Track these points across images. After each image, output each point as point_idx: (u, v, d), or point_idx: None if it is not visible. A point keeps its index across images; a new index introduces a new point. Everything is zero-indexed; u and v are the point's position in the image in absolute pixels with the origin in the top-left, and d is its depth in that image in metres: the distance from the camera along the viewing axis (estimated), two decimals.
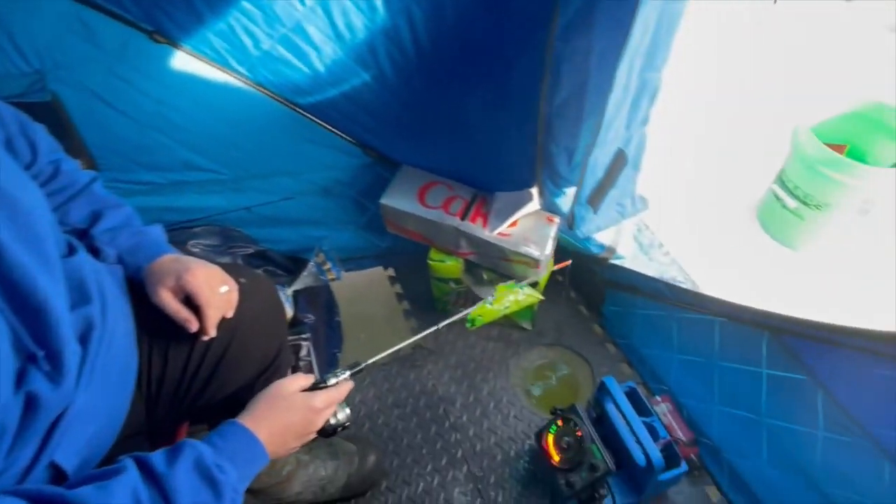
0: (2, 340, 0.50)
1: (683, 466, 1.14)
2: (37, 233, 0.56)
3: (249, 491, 0.72)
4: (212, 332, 0.78)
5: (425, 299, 1.58)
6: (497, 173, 1.28)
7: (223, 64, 1.13)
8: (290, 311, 1.37)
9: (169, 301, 0.77)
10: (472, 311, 1.30)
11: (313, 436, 0.79)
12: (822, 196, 1.66)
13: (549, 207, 1.29)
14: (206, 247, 1.32)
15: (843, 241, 1.80)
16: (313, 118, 1.27)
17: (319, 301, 1.49)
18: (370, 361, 0.85)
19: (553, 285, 1.61)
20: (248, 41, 1.08)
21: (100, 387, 0.63)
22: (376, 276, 1.68)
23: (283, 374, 0.97)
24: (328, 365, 1.41)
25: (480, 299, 1.34)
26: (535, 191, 1.26)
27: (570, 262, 1.16)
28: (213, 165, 1.29)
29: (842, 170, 1.57)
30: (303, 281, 1.42)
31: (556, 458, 1.14)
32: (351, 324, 1.58)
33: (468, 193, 1.34)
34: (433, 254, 1.39)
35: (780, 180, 1.78)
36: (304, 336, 1.32)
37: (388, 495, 1.26)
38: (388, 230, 1.46)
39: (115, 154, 1.21)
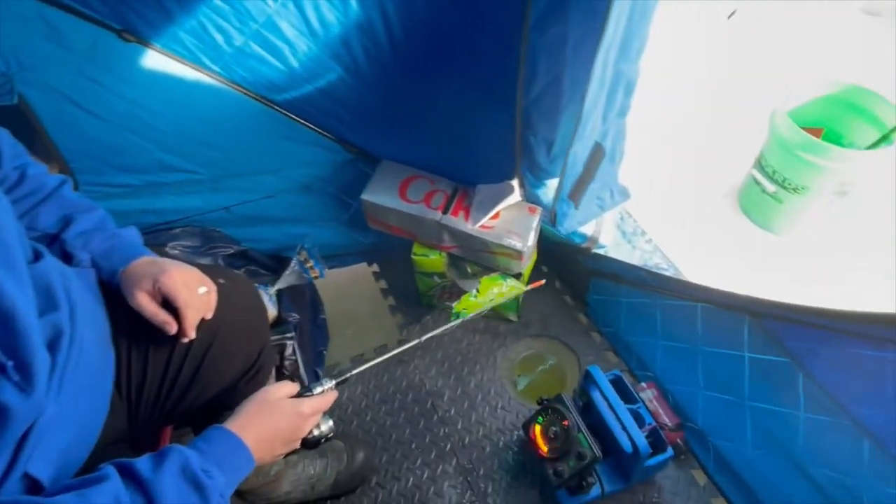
0: None
1: (669, 451, 1.15)
2: (2, 240, 0.54)
3: (238, 493, 0.71)
4: (191, 334, 0.78)
5: (411, 294, 1.57)
6: (477, 166, 1.27)
7: (196, 62, 1.11)
8: (273, 311, 1.36)
9: (146, 304, 0.75)
10: (456, 305, 1.31)
11: (299, 443, 0.79)
12: (801, 179, 1.67)
13: (531, 199, 1.29)
14: (186, 248, 1.30)
15: (823, 223, 1.82)
16: (290, 115, 1.25)
17: (304, 299, 1.48)
18: (355, 371, 0.86)
19: (538, 276, 1.61)
20: (219, 38, 1.06)
21: (72, 394, 0.61)
22: (361, 273, 1.68)
23: (266, 375, 0.96)
24: (315, 363, 1.40)
25: (465, 292, 1.34)
26: (515, 183, 1.26)
27: (543, 281, 1.18)
28: (189, 165, 1.27)
29: (819, 153, 1.58)
30: (286, 280, 1.41)
31: (543, 447, 1.15)
32: (337, 321, 1.57)
33: (449, 187, 1.33)
34: (416, 248, 1.39)
35: (759, 165, 1.79)
36: (288, 335, 1.31)
37: (379, 491, 1.26)
38: (370, 226, 1.45)
39: (88, 157, 1.19)
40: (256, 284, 1.35)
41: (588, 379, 1.20)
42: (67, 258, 0.75)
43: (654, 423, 1.18)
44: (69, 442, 0.63)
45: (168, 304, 0.76)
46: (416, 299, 1.57)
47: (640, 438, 1.10)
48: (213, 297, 0.81)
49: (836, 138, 1.79)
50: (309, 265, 1.43)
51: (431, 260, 1.38)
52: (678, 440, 1.23)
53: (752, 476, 1.14)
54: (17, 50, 1.00)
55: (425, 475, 1.27)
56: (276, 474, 1.10)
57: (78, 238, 0.77)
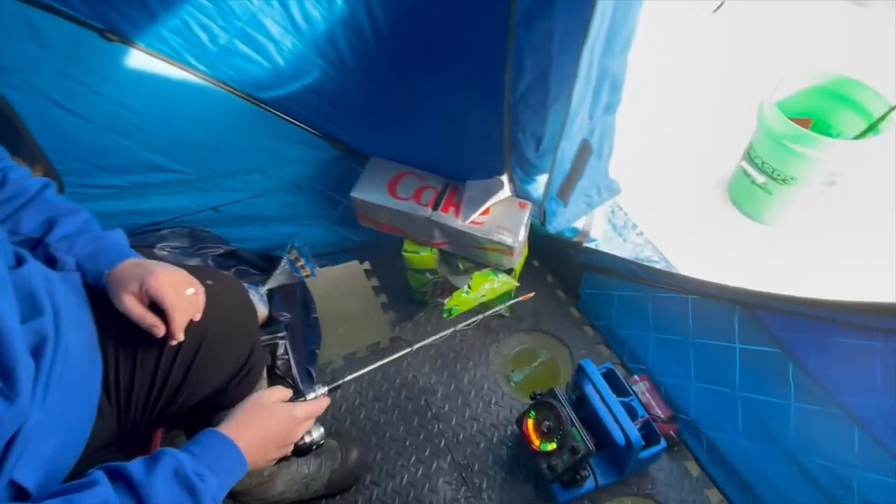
0: None
1: (662, 444, 1.16)
2: None
3: (232, 494, 0.71)
4: (179, 337, 0.77)
5: (403, 291, 1.57)
6: (465, 161, 1.27)
7: (180, 61, 1.10)
8: (264, 311, 1.36)
9: (133, 307, 0.75)
10: (448, 302, 1.31)
11: (291, 447, 0.79)
12: (790, 170, 1.68)
13: (521, 194, 1.29)
14: (175, 249, 1.29)
15: (812, 213, 1.83)
16: (277, 113, 1.24)
17: (295, 299, 1.48)
18: (348, 378, 0.87)
19: (530, 271, 1.61)
20: (203, 36, 1.05)
21: (58, 400, 0.61)
22: (352, 271, 1.67)
23: (257, 376, 0.96)
24: (307, 362, 1.40)
25: (457, 289, 1.34)
26: (505, 178, 1.26)
27: (532, 294, 1.19)
28: (176, 165, 1.26)
29: (807, 144, 1.59)
30: (276, 279, 1.40)
31: (536, 442, 1.15)
32: (329, 319, 1.57)
33: (439, 183, 1.33)
34: (407, 245, 1.38)
35: (748, 156, 1.80)
36: (279, 335, 1.30)
37: (373, 489, 1.26)
38: (360, 223, 1.44)
39: (73, 158, 1.18)
40: (247, 284, 1.35)
41: (580, 373, 1.20)
42: (52, 262, 0.75)
43: (646, 416, 1.18)
44: (56, 448, 0.62)
45: (155, 307, 0.76)
46: (408, 296, 1.57)
47: (633, 431, 1.10)
48: (201, 299, 0.80)
49: (824, 129, 1.80)
50: (299, 264, 1.42)
51: (422, 257, 1.37)
52: (671, 432, 1.24)
53: (745, 466, 1.15)
54: None
55: (420, 472, 1.28)
56: (269, 475, 1.09)
57: (62, 241, 0.76)
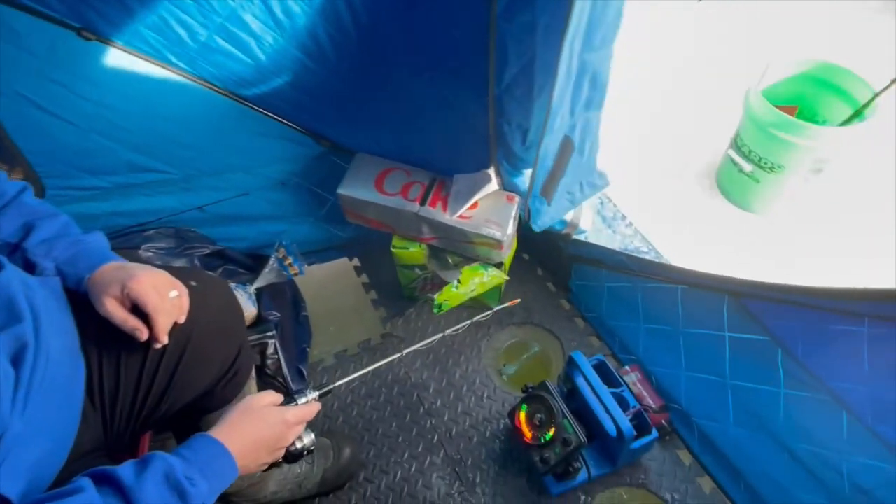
0: None
1: (654, 433, 1.16)
2: None
3: (224, 495, 0.71)
4: (164, 340, 0.76)
5: (393, 287, 1.56)
6: (452, 155, 1.26)
7: (160, 59, 1.08)
8: (253, 310, 1.35)
9: (115, 311, 0.74)
10: (438, 297, 1.30)
11: (283, 452, 0.79)
12: (777, 158, 1.68)
13: (508, 187, 1.28)
14: (161, 250, 1.28)
15: (800, 200, 1.84)
16: (261, 110, 1.23)
17: (284, 297, 1.47)
18: (339, 383, 0.87)
19: (520, 264, 1.61)
20: (183, 33, 1.03)
21: (40, 408, 0.60)
22: (342, 268, 1.66)
23: (245, 377, 0.95)
24: (298, 361, 1.39)
25: (447, 283, 1.33)
26: (492, 171, 1.25)
27: (518, 300, 1.21)
28: (159, 165, 1.25)
29: (793, 131, 1.59)
30: (265, 278, 1.39)
31: (529, 435, 1.15)
32: (319, 317, 1.56)
33: (426, 178, 1.32)
34: (396, 241, 1.38)
35: (735, 145, 1.80)
36: (269, 334, 1.29)
37: (367, 486, 1.26)
38: (348, 220, 1.43)
39: (54, 160, 1.16)
40: (235, 284, 1.34)
41: (571, 365, 1.20)
42: (30, 267, 0.73)
43: (638, 406, 1.19)
44: (39, 456, 0.61)
45: (138, 310, 0.74)
46: (398, 292, 1.57)
47: (625, 422, 1.11)
48: (185, 301, 0.79)
49: (810, 116, 1.80)
50: (288, 262, 1.41)
51: (411, 252, 1.37)
52: (663, 421, 1.24)
53: (736, 454, 1.15)
54: None
55: (413, 468, 1.27)
56: (261, 475, 1.09)
57: (40, 246, 0.74)
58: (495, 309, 1.22)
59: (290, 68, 1.11)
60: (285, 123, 1.28)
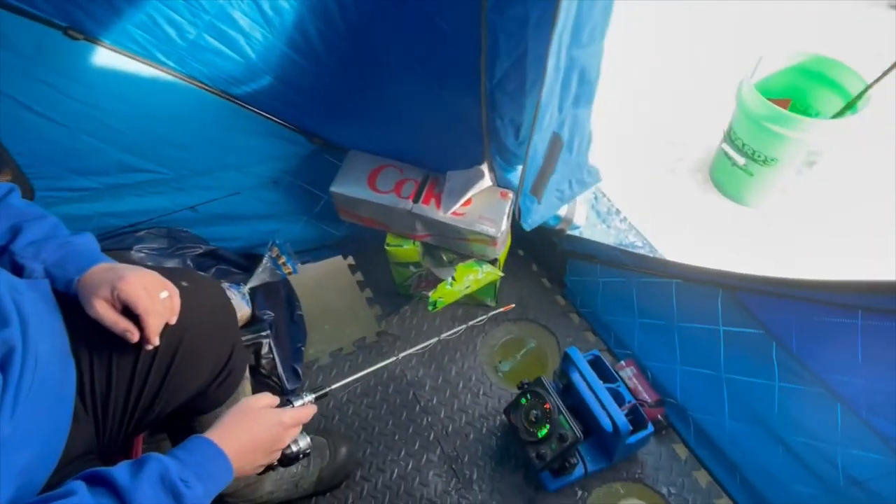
0: None
1: (650, 428, 1.16)
2: None
3: (220, 496, 0.71)
4: (155, 341, 0.75)
5: (387, 285, 1.56)
6: (445, 151, 1.26)
7: (149, 58, 1.07)
8: (247, 310, 1.34)
9: (105, 313, 0.73)
10: (433, 294, 1.30)
11: (279, 454, 0.78)
12: (770, 151, 1.68)
13: (502, 183, 1.28)
14: (153, 251, 1.27)
15: (793, 193, 1.84)
16: (252, 108, 1.22)
17: (278, 296, 1.46)
18: (335, 386, 0.87)
19: (514, 260, 1.61)
20: (171, 31, 1.02)
21: (30, 410, 0.59)
22: (336, 266, 1.66)
23: (239, 378, 0.94)
24: (293, 360, 1.39)
25: (441, 281, 1.33)
26: (485, 167, 1.25)
27: (513, 305, 1.22)
28: (150, 165, 1.24)
29: (786, 124, 1.59)
30: (258, 277, 1.38)
31: (525, 431, 1.15)
32: (314, 316, 1.56)
33: (419, 175, 1.32)
34: (390, 239, 1.37)
35: (729, 138, 1.80)
36: (263, 334, 1.29)
37: (364, 484, 1.25)
38: (341, 218, 1.43)
39: (43, 162, 1.15)
40: (228, 284, 1.33)
41: (567, 360, 1.20)
42: (18, 270, 0.73)
43: (633, 401, 1.19)
44: (30, 459, 0.61)
45: (129, 312, 0.74)
46: (393, 290, 1.56)
47: (620, 417, 1.11)
48: (176, 301, 0.78)
49: (803, 108, 1.81)
50: (281, 261, 1.41)
51: (405, 250, 1.36)
52: (659, 416, 1.25)
53: (732, 447, 1.15)
54: None
55: (410, 465, 1.27)
56: (256, 476, 1.08)
57: (28, 248, 0.74)
58: (490, 314, 1.22)
59: (281, 65, 1.10)
60: (276, 121, 1.27)
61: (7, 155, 1.10)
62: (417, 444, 1.30)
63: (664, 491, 1.20)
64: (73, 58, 1.03)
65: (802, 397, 0.99)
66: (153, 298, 0.75)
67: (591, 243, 1.40)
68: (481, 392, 1.38)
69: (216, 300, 0.88)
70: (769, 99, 1.61)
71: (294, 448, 0.80)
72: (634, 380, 1.27)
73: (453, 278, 1.31)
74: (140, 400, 0.78)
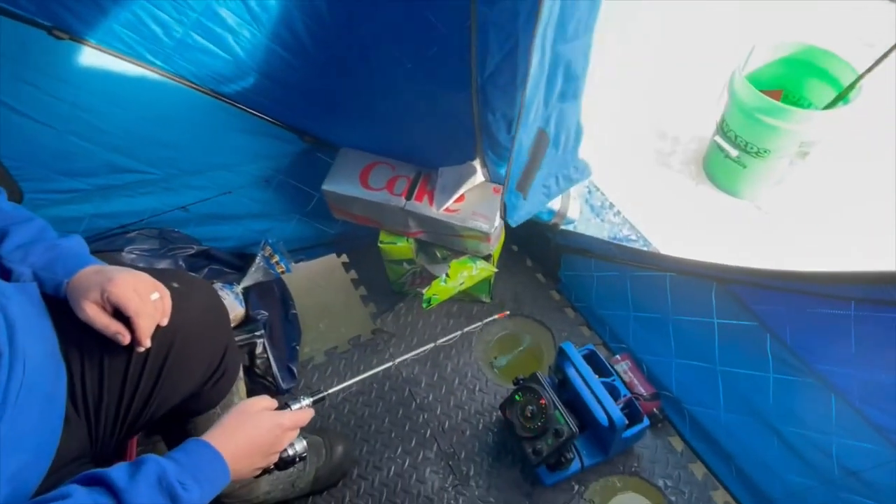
0: None
1: (645, 422, 1.16)
2: None
3: (216, 497, 0.71)
4: (146, 343, 0.75)
5: (382, 283, 1.55)
6: (437, 147, 1.25)
7: (136, 57, 1.06)
8: (241, 310, 1.34)
9: (95, 315, 0.72)
10: (427, 291, 1.30)
11: (277, 457, 0.79)
12: (762, 142, 1.69)
13: (495, 178, 1.27)
14: (144, 252, 1.26)
15: (786, 185, 1.84)
16: (241, 106, 1.21)
17: (272, 296, 1.46)
18: (333, 390, 0.88)
19: (508, 256, 1.61)
20: (158, 30, 1.01)
21: (20, 415, 0.59)
22: (330, 265, 1.65)
23: (232, 378, 0.94)
24: (288, 359, 1.38)
25: (436, 277, 1.33)
26: (478, 163, 1.24)
27: (507, 312, 1.21)
28: (140, 166, 1.22)
29: (779, 116, 1.60)
30: (251, 277, 1.37)
31: (521, 426, 1.15)
32: (309, 315, 1.55)
33: (411, 172, 1.31)
34: (383, 236, 1.37)
35: (721, 130, 1.80)
36: (257, 333, 1.28)
37: (361, 482, 1.25)
38: (334, 216, 1.42)
39: (32, 164, 1.13)
40: (221, 284, 1.32)
41: (562, 355, 1.20)
42: (6, 274, 0.72)
43: (629, 395, 1.19)
44: (21, 463, 0.60)
45: (120, 314, 0.73)
46: (387, 287, 1.56)
47: (616, 411, 1.11)
48: (167, 303, 0.78)
49: (795, 100, 1.81)
50: (274, 260, 1.40)
51: (399, 247, 1.36)
52: (654, 409, 1.25)
53: (727, 439, 1.16)
54: None
55: (406, 463, 1.27)
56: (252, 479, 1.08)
57: (15, 251, 0.73)
58: (485, 321, 1.23)
59: (269, 63, 1.09)
60: (267, 119, 1.26)
61: None
62: (414, 442, 1.30)
63: (661, 484, 1.20)
64: (59, 58, 1.02)
65: (797, 388, 1.00)
66: (144, 300, 0.74)
67: (585, 238, 1.40)
68: (477, 388, 1.38)
69: (207, 301, 0.88)
70: (761, 90, 1.61)
71: (291, 451, 0.81)
72: (630, 373, 1.27)
73: (447, 275, 1.31)
74: (133, 402, 0.78)
